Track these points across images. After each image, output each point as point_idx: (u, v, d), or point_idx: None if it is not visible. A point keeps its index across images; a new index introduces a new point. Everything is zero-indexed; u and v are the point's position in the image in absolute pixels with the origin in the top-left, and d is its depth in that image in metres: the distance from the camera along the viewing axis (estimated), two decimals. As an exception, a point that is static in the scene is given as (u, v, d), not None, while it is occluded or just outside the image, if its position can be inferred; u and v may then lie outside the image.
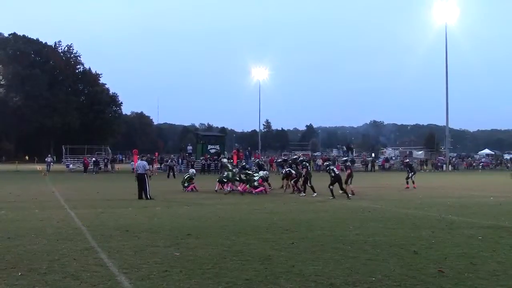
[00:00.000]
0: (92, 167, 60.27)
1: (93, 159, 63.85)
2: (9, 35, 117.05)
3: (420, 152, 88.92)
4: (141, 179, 22.84)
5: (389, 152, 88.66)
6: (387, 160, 73.69)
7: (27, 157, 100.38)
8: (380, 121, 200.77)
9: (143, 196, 22.64)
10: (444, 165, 72.44)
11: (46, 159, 65.94)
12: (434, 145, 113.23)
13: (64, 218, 16.15)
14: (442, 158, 77.11)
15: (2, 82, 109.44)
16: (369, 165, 65.44)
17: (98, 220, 15.63)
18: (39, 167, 62.46)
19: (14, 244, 11.29)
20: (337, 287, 7.69)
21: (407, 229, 13.81)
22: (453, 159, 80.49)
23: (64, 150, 68.61)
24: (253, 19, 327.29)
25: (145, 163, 23.94)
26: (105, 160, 65.04)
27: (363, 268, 8.93)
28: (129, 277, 8.21)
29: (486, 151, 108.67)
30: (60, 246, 10.99)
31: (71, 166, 63.58)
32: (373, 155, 78.18)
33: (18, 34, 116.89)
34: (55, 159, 70.42)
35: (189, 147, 70.70)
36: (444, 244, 11.40)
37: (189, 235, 12.49)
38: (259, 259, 9.60)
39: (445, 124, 77.81)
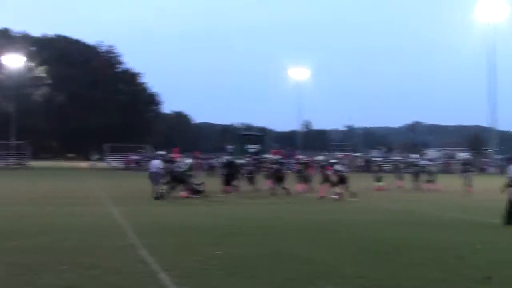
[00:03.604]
0: (133, 165, 60.89)
1: (134, 157, 64.53)
2: (54, 36, 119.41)
3: (464, 154, 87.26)
4: (153, 178, 22.44)
5: (431, 153, 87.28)
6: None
7: (71, 155, 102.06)
8: (422, 122, 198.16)
9: (157, 194, 21.97)
10: (491, 168, 70.82)
11: (90, 157, 67.18)
12: (479, 146, 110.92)
13: (107, 215, 16.40)
14: (488, 160, 75.48)
15: (47, 82, 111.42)
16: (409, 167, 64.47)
17: (139, 217, 15.80)
18: (83, 164, 63.49)
19: (59, 238, 11.49)
20: (378, 290, 7.59)
21: (450, 233, 13.54)
22: (500, 161, 78.69)
23: (106, 148, 69.53)
24: (293, 18, 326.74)
25: (158, 161, 23.52)
26: (146, 158, 65.60)
27: (405, 271, 8.78)
28: (169, 274, 8.23)
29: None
30: (103, 242, 11.14)
31: (113, 163, 64.45)
32: (414, 156, 77.07)
33: (62, 35, 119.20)
34: (98, 157, 71.48)
35: (229, 147, 70.86)
36: (491, 249, 11.09)
37: (231, 234, 12.52)
38: (299, 259, 9.55)
39: (491, 125, 76.36)
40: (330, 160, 27.20)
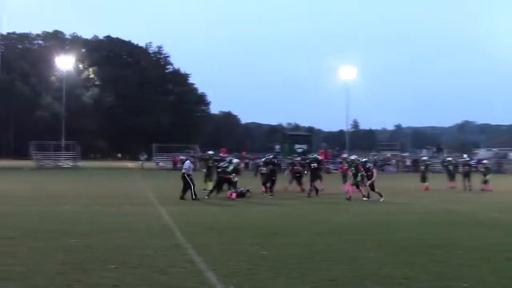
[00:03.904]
0: (180, 165, 61.34)
1: (181, 157, 65.07)
2: (103, 37, 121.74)
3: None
4: (183, 178, 22.21)
5: (482, 153, 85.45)
6: (480, 161, 70.98)
7: (119, 155, 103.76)
8: (472, 121, 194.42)
9: (191, 195, 21.74)
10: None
11: (139, 157, 68.14)
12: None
13: (154, 214, 16.58)
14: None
15: (96, 83, 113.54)
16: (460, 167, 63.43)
17: (186, 217, 15.97)
18: (130, 164, 64.42)
19: (107, 238, 11.71)
20: (426, 291, 7.50)
21: (501, 234, 13.29)
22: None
23: (154, 149, 70.38)
24: (342, 16, 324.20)
25: (187, 162, 23.14)
26: (194, 159, 66.06)
27: (453, 273, 8.65)
28: (216, 273, 8.31)
29: None
30: (150, 241, 11.27)
31: (160, 163, 65.15)
32: (465, 156, 75.72)
33: (112, 36, 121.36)
34: (146, 157, 72.45)
35: (277, 147, 70.90)
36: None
37: (276, 234, 12.54)
38: (345, 260, 9.50)
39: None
40: (362, 158, 26.64)
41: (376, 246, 11.04)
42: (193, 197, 21.72)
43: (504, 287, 7.86)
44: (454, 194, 26.88)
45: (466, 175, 30.71)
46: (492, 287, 7.82)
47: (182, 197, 21.84)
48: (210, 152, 27.90)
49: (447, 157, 45.37)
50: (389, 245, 11.23)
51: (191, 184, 22.01)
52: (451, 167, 33.71)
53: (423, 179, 30.93)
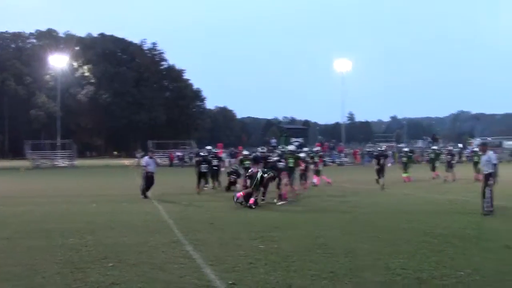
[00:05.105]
0: (177, 161, 61.37)
1: (178, 153, 65.01)
2: (97, 35, 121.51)
3: (511, 142, 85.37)
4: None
5: (476, 143, 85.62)
6: (473, 151, 71.12)
7: (116, 152, 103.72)
8: (468, 111, 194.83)
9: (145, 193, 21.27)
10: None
11: (136, 154, 68.05)
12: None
13: (151, 211, 16.58)
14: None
15: (91, 81, 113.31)
16: (456, 156, 63.58)
17: (184, 213, 15.97)
18: (127, 161, 64.28)
19: (105, 235, 11.73)
20: (424, 281, 7.53)
21: (498, 222, 13.34)
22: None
23: (150, 145, 70.27)
24: (338, 8, 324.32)
25: (146, 158, 22.57)
26: (190, 155, 66.11)
27: (451, 262, 8.69)
28: (214, 269, 8.33)
29: None
30: (148, 238, 11.28)
31: (157, 160, 64.97)
32: (460, 145, 75.89)
33: (106, 33, 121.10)
34: (143, 154, 72.26)
35: (273, 140, 70.94)
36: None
37: (276, 228, 12.55)
38: (343, 252, 9.52)
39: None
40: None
41: (374, 237, 11.07)
42: (143, 194, 21.19)
43: (502, 274, 7.88)
44: (449, 185, 26.84)
45: (449, 165, 30.36)
46: (489, 275, 7.83)
47: (144, 194, 21.21)
48: (208, 148, 27.26)
49: (435, 146, 45.20)
50: (388, 236, 11.26)
51: (144, 182, 21.46)
52: (439, 157, 33.65)
53: (405, 169, 31.10)
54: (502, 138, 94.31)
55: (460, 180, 28.68)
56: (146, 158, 22.58)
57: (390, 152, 67.24)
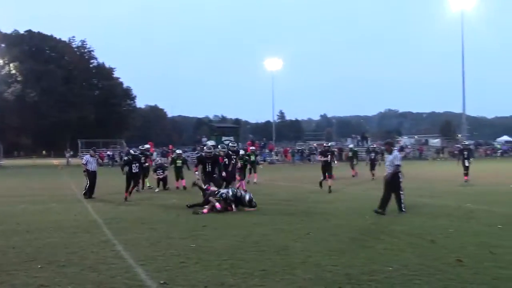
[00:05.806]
0: (107, 160, 60.42)
1: (108, 153, 64.04)
2: (24, 32, 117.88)
3: (436, 140, 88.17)
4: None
5: (404, 140, 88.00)
6: (402, 148, 73.21)
7: (44, 152, 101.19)
8: (395, 110, 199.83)
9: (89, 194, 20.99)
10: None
11: (65, 154, 66.63)
12: (450, 132, 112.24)
13: (81, 211, 16.31)
14: (459, 146, 76.26)
15: (18, 79, 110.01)
16: (380, 155, 65.03)
17: (114, 213, 15.76)
18: (56, 161, 62.94)
19: (34, 237, 11.43)
20: (354, 277, 7.66)
21: (424, 218, 13.68)
22: (471, 146, 79.43)
23: (80, 144, 68.97)
24: (267, 9, 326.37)
25: (86, 156, 22.32)
26: (120, 154, 65.21)
27: (380, 257, 8.90)
28: (145, 269, 8.28)
29: (505, 138, 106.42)
30: (78, 239, 11.10)
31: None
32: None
33: (33, 30, 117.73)
34: (72, 153, 70.91)
35: (204, 139, 70.74)
36: (462, 233, 11.27)
37: (205, 227, 12.51)
38: (275, 250, 9.60)
39: (462, 111, 77.44)
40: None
41: (306, 235, 11.19)
42: (85, 194, 21.00)
43: (428, 268, 8.11)
44: (375, 181, 27.35)
45: (372, 162, 30.67)
46: (417, 269, 8.06)
47: (87, 194, 20.92)
48: (143, 147, 26.55)
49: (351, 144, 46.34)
50: (319, 233, 11.40)
51: (87, 180, 21.19)
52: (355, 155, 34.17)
53: (352, 166, 31.94)
54: (428, 136, 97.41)
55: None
56: (87, 156, 22.37)
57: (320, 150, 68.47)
